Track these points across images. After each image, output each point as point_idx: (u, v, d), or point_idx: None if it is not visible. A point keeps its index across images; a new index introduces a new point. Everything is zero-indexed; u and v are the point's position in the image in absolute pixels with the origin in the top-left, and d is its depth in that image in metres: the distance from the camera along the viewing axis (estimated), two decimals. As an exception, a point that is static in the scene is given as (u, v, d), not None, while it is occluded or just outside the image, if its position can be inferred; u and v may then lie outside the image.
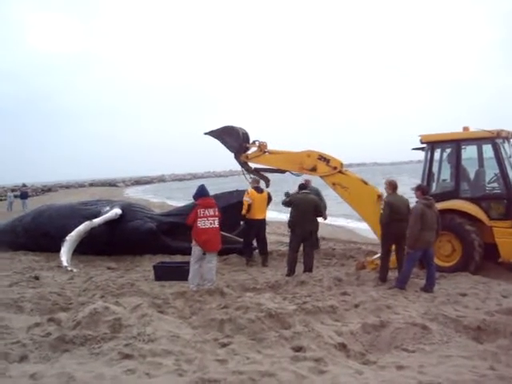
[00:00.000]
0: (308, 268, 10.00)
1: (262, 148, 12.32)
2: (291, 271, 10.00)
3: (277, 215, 16.71)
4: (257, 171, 12.70)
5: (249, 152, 12.59)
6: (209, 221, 8.79)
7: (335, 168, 11.38)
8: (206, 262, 8.92)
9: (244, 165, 12.67)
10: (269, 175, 12.96)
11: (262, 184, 12.37)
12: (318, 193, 12.72)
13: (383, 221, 8.96)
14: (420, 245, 8.37)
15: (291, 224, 10.13)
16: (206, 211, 8.82)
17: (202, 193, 9.04)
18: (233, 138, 12.50)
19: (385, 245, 9.21)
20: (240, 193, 12.73)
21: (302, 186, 10.68)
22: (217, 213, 8.91)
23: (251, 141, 12.66)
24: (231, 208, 12.00)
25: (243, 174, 12.84)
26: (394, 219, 8.79)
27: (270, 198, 11.93)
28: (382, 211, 9.12)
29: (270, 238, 13.00)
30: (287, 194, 11.23)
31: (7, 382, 4.57)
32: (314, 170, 11.57)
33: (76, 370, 4.71)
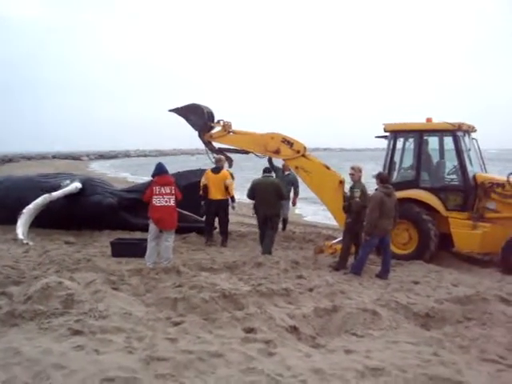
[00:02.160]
0: (266, 250, 10.06)
1: (227, 128, 12.30)
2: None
3: (239, 196, 16.67)
4: (220, 151, 12.66)
5: (213, 131, 12.54)
6: (164, 199, 8.76)
7: (298, 152, 11.45)
8: (163, 240, 8.90)
9: (208, 144, 12.62)
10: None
11: (226, 166, 12.34)
12: (295, 179, 12.69)
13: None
14: (377, 232, 8.49)
15: (254, 206, 10.29)
16: (162, 189, 8.78)
17: (159, 170, 8.99)
18: (197, 116, 12.44)
19: (350, 233, 9.22)
20: (203, 172, 12.71)
21: (266, 170, 10.69)
22: (173, 191, 8.86)
23: (216, 120, 12.61)
24: (194, 186, 11.93)
25: (207, 153, 12.80)
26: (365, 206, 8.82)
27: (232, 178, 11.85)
28: (357, 199, 9.00)
29: (232, 218, 12.98)
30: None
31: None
32: (277, 152, 11.62)
33: (23, 345, 4.65)
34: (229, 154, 12.82)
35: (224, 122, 12.37)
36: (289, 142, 11.52)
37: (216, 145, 12.81)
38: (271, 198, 10.03)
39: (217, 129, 12.53)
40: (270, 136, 11.69)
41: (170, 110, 12.77)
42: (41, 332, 5.14)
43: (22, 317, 5.55)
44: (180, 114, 12.70)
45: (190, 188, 11.71)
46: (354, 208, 9.00)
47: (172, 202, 8.83)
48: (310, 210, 20.75)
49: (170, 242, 8.97)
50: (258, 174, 10.79)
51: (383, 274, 8.49)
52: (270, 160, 11.72)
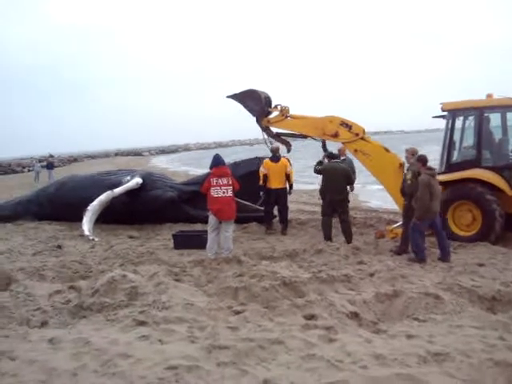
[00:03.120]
0: (347, 235, 10.10)
1: (284, 112, 12.19)
2: (326, 236, 10.13)
3: (298, 184, 16.77)
4: (278, 136, 12.62)
5: (270, 116, 12.50)
6: (222, 190, 8.88)
7: (357, 134, 11.22)
8: (223, 231, 9.05)
9: (265, 129, 12.56)
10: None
11: (284, 151, 12.33)
12: (351, 163, 12.59)
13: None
14: (430, 215, 8.31)
15: (322, 192, 10.32)
16: (220, 180, 8.91)
17: (216, 162, 9.12)
18: (255, 102, 12.37)
19: (408, 216, 8.96)
20: (261, 160, 12.79)
21: (332, 155, 10.61)
22: (231, 182, 8.98)
23: (273, 105, 12.57)
24: (252, 175, 12.03)
25: (264, 139, 12.75)
26: None
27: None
28: (408, 182, 8.85)
29: (291, 206, 12.99)
30: (320, 163, 11.06)
31: (27, 346, 4.73)
32: (335, 135, 11.42)
33: (92, 336, 4.86)
34: (287, 139, 12.76)
35: (281, 107, 12.27)
36: (347, 125, 11.32)
37: (274, 130, 12.75)
38: (339, 183, 10.05)
39: (274, 114, 12.45)
40: (329, 119, 11.52)
41: (228, 96, 12.75)
42: (108, 323, 5.36)
43: (90, 309, 5.82)
44: (237, 100, 12.68)
45: (247, 177, 11.84)
46: (407, 190, 8.86)
47: (230, 193, 8.95)
48: (370, 195, 20.47)
49: (230, 233, 9.10)
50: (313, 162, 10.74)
51: (445, 257, 8.30)
52: (323, 145, 11.61)
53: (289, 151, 12.82)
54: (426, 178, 8.31)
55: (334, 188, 10.00)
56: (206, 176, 9.74)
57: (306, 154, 31.07)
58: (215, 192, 8.89)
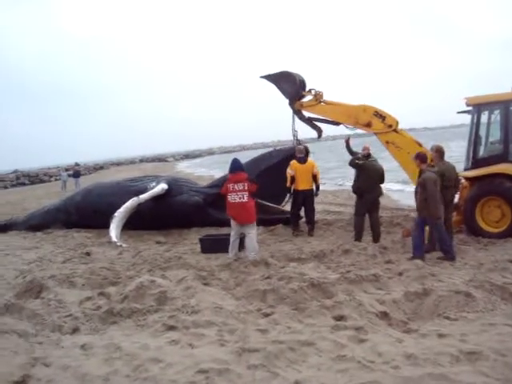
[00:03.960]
0: (376, 234, 10.05)
1: (318, 97, 12.08)
2: (358, 236, 10.08)
3: (323, 185, 16.62)
4: (310, 120, 12.53)
5: (304, 100, 12.42)
6: (238, 195, 9.03)
7: (390, 126, 11.07)
8: (246, 233, 9.20)
9: (297, 112, 12.47)
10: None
11: (317, 140, 12.23)
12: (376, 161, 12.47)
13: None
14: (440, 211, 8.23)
15: (359, 190, 10.13)
16: (236, 186, 9.06)
17: (232, 167, 9.31)
18: (289, 84, 12.29)
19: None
20: (278, 151, 12.72)
21: (367, 155, 10.49)
22: (246, 187, 9.06)
23: (307, 89, 12.50)
24: (273, 169, 12.02)
25: (293, 138, 12.67)
26: (444, 186, 8.56)
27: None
28: None
29: (317, 207, 12.94)
30: (358, 158, 10.75)
31: (60, 352, 4.81)
32: (368, 125, 11.27)
33: (122, 341, 4.92)
34: (318, 124, 12.67)
35: (316, 92, 12.17)
36: (381, 116, 11.15)
37: (306, 115, 12.65)
38: (375, 182, 10.00)
39: (308, 98, 12.36)
40: (363, 108, 11.37)
41: (262, 77, 12.65)
42: (138, 328, 5.43)
43: (120, 315, 5.88)
44: (271, 81, 12.56)
45: (269, 170, 11.86)
46: None
47: (246, 198, 9.05)
48: (395, 193, 20.31)
49: (252, 233, 9.18)
50: (337, 165, 10.62)
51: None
52: (347, 144, 11.55)
53: (319, 136, 12.73)
54: (432, 175, 8.19)
55: (373, 185, 9.96)
56: (225, 179, 9.89)
57: (326, 155, 30.96)
58: (231, 198, 9.08)
